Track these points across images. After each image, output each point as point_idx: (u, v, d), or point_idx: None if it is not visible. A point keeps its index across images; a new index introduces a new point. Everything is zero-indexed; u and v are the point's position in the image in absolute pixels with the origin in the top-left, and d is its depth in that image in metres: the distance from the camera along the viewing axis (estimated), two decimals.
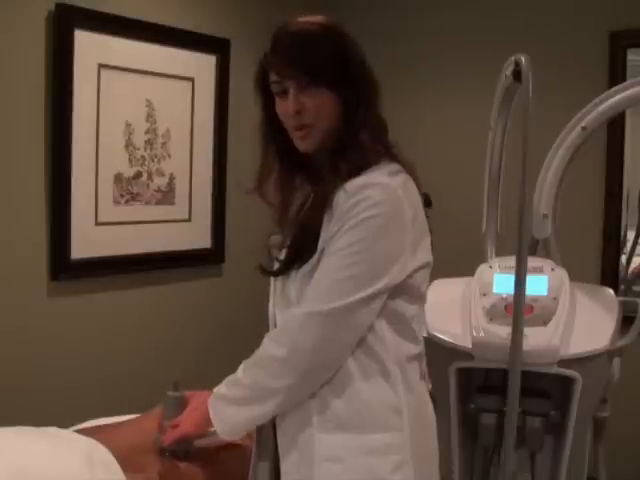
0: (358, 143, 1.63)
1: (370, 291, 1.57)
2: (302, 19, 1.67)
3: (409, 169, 1.68)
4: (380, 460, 1.60)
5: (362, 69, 1.66)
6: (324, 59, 1.63)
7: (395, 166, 1.65)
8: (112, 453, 1.92)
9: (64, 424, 2.14)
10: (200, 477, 2.01)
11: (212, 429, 1.74)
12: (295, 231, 1.68)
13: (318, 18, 1.67)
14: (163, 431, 1.94)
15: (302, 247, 1.64)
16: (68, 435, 2.03)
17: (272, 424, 1.72)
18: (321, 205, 1.61)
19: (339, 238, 1.57)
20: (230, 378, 1.71)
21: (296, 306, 1.63)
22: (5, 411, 2.57)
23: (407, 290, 1.64)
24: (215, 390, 1.72)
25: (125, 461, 1.90)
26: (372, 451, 1.60)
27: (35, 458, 1.80)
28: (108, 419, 2.34)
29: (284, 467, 1.66)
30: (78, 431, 2.10)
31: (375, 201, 1.56)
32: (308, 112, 1.65)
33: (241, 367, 1.69)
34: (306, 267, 1.63)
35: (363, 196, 1.56)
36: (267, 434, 1.76)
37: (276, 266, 1.71)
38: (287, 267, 1.67)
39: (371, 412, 1.61)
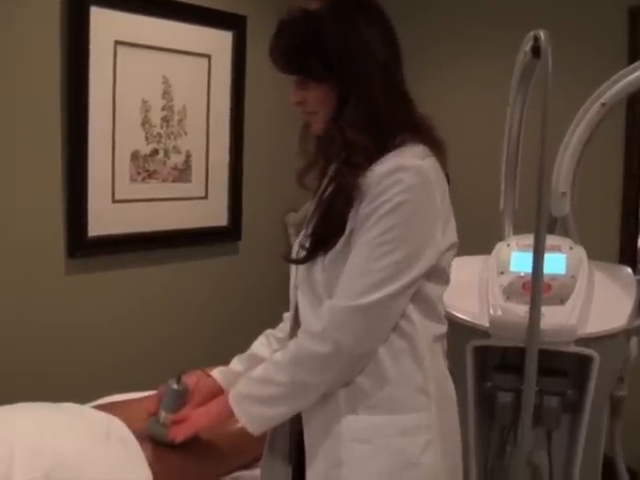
0: (345, 140, 1.60)
1: (407, 279, 1.55)
2: (296, 5, 1.63)
3: (437, 149, 1.65)
4: (409, 441, 1.60)
5: (352, 55, 1.59)
6: (296, 51, 1.61)
7: (423, 148, 1.61)
8: (129, 429, 1.94)
9: (81, 401, 2.17)
10: (217, 452, 2.03)
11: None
12: (318, 218, 1.65)
13: (312, 3, 1.62)
14: (158, 421, 1.91)
15: (327, 234, 1.61)
16: (86, 411, 2.07)
17: None
18: (342, 193, 1.58)
19: (373, 225, 1.54)
20: (257, 376, 1.67)
21: (324, 292, 1.61)
22: (23, 388, 2.58)
23: (436, 273, 1.63)
24: (238, 389, 1.69)
25: (141, 437, 1.92)
26: (401, 432, 1.60)
27: (53, 433, 1.82)
28: (124, 395, 2.38)
29: (310, 450, 1.65)
30: (95, 407, 2.13)
31: (408, 185, 1.53)
32: (309, 103, 1.65)
33: (270, 365, 1.65)
34: (333, 252, 1.60)
35: (396, 179, 1.53)
36: (281, 426, 1.74)
37: (301, 253, 1.67)
38: (312, 254, 1.64)
39: (399, 393, 1.60)
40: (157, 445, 1.93)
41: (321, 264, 1.62)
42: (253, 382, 1.67)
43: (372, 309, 1.54)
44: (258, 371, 1.67)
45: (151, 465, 1.87)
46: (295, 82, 1.66)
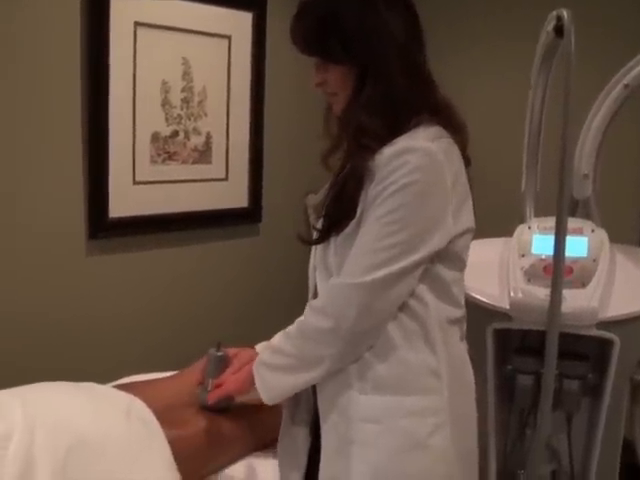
0: (357, 122, 1.60)
1: (411, 260, 1.55)
2: None
3: (457, 130, 1.65)
4: (418, 422, 1.61)
5: (371, 36, 1.59)
6: (315, 33, 1.62)
7: (437, 129, 1.61)
8: (150, 409, 1.96)
9: (102, 381, 2.18)
10: (239, 432, 2.06)
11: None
12: (330, 200, 1.65)
13: None
14: (205, 388, 1.99)
15: (338, 215, 1.62)
16: (107, 390, 2.09)
17: (312, 387, 1.73)
18: (353, 175, 1.59)
19: (379, 205, 1.55)
20: (272, 345, 1.71)
21: (337, 274, 1.62)
22: (44, 369, 2.59)
23: (448, 256, 1.62)
24: (259, 357, 1.74)
25: (161, 417, 1.94)
26: (410, 413, 1.61)
27: (74, 411, 1.84)
28: (144, 375, 2.39)
29: (324, 427, 1.67)
30: (116, 387, 2.15)
31: (415, 166, 1.53)
32: (329, 84, 1.66)
33: (282, 336, 1.70)
34: (344, 234, 1.61)
35: (403, 161, 1.53)
36: (306, 397, 1.78)
37: (314, 235, 1.69)
38: (325, 236, 1.66)
39: (411, 374, 1.61)
40: (205, 410, 2.01)
41: (333, 246, 1.64)
42: (269, 351, 1.71)
43: (375, 286, 1.56)
44: (274, 340, 1.72)
45: (171, 445, 1.89)
46: (315, 64, 1.66)
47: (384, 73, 1.59)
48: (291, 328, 1.69)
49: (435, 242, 1.57)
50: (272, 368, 1.69)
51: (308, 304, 1.68)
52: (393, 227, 1.54)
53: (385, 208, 1.54)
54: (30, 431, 1.71)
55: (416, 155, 1.53)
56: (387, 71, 1.59)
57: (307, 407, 1.79)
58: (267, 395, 1.70)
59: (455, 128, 1.66)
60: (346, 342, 1.59)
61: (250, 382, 1.74)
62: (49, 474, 1.67)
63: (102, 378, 2.23)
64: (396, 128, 1.59)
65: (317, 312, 1.63)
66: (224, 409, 2.06)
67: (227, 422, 2.05)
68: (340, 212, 1.61)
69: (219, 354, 2.03)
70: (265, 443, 2.10)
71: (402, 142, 1.56)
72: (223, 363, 1.99)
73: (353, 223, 1.60)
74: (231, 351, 2.00)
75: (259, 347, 1.96)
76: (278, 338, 1.71)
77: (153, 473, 1.83)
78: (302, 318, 1.67)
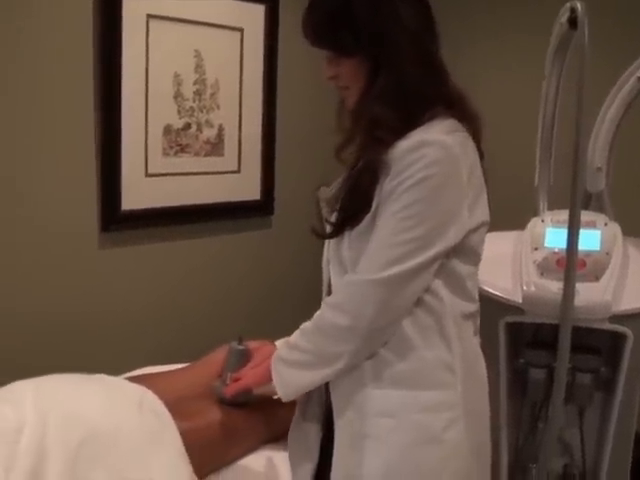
0: (371, 115, 1.59)
1: (428, 255, 1.54)
2: None
3: (471, 122, 1.64)
4: (432, 417, 1.61)
5: (383, 29, 1.58)
6: (327, 26, 1.61)
7: (452, 122, 1.60)
8: (161, 401, 1.96)
9: (114, 373, 2.19)
10: (251, 424, 2.07)
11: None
12: (344, 194, 1.64)
13: None
14: (224, 381, 2.00)
15: (353, 209, 1.61)
16: (119, 382, 2.10)
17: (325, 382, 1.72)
18: (368, 168, 1.58)
19: (395, 200, 1.54)
20: (289, 341, 1.70)
21: (351, 269, 1.61)
22: (57, 361, 2.61)
23: (463, 251, 1.62)
24: (277, 352, 1.73)
25: (173, 409, 1.95)
26: (425, 408, 1.61)
27: (87, 403, 1.85)
28: (156, 368, 2.40)
29: (338, 422, 1.67)
30: (128, 379, 2.16)
31: (431, 160, 1.52)
32: (341, 77, 1.65)
33: (298, 332, 1.69)
34: (359, 228, 1.60)
35: (419, 154, 1.52)
36: (318, 392, 1.78)
37: (328, 228, 1.68)
38: (339, 229, 1.65)
39: (425, 369, 1.61)
40: (222, 404, 2.01)
41: (347, 240, 1.63)
42: (286, 347, 1.70)
43: (391, 283, 1.55)
44: (292, 336, 1.70)
45: (183, 436, 1.90)
46: (327, 57, 1.65)
47: (396, 65, 1.58)
48: (308, 324, 1.68)
49: (451, 236, 1.56)
50: (289, 364, 1.68)
51: (324, 301, 1.67)
52: (409, 222, 1.53)
53: (401, 203, 1.53)
54: (42, 423, 1.72)
55: (432, 149, 1.53)
56: (399, 63, 1.57)
57: (319, 401, 1.79)
58: (284, 391, 1.69)
59: (469, 120, 1.65)
60: (363, 339, 1.58)
61: (267, 377, 1.73)
62: (61, 467, 1.68)
63: (114, 370, 2.23)
64: (410, 121, 1.58)
65: (334, 309, 1.61)
66: (242, 403, 2.05)
67: (240, 414, 2.06)
68: (355, 206, 1.60)
69: (240, 348, 2.03)
70: (277, 435, 2.11)
71: (418, 135, 1.55)
72: (244, 357, 1.99)
73: (368, 217, 1.59)
74: (252, 344, 2.01)
75: (279, 343, 1.97)
76: (295, 334, 1.70)
77: (165, 465, 1.83)
78: (317, 315, 1.66)
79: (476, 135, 1.65)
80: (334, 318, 1.60)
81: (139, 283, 3.04)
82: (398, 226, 1.54)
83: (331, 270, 1.69)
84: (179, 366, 2.33)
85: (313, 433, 1.80)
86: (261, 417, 2.08)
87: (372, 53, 1.59)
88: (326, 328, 1.62)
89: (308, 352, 1.64)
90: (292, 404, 1.84)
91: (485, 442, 1.74)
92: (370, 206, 1.58)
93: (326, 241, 1.74)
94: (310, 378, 1.67)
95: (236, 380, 1.87)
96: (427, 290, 1.60)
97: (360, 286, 1.57)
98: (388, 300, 1.56)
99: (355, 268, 1.60)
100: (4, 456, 1.64)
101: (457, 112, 1.63)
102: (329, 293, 1.72)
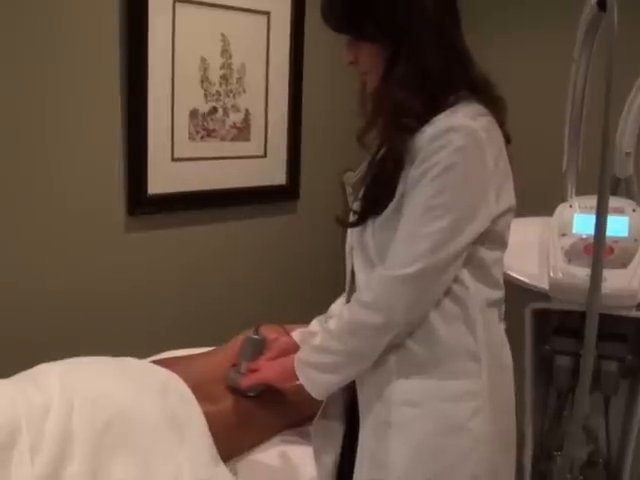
0: (393, 101, 1.57)
1: (458, 245, 1.53)
2: None
3: (495, 107, 1.62)
4: (457, 406, 1.60)
5: (403, 12, 1.55)
6: (346, 11, 1.59)
7: (477, 107, 1.58)
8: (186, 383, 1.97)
9: (139, 356, 2.20)
10: (270, 410, 2.07)
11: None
12: (369, 182, 1.63)
13: None
14: (238, 370, 1.99)
15: (377, 198, 1.60)
16: (144, 365, 2.11)
17: None
18: (392, 156, 1.56)
19: (421, 189, 1.52)
20: (315, 344, 1.69)
21: (375, 258, 1.60)
22: (82, 345, 2.59)
23: (490, 237, 1.60)
24: (301, 356, 1.71)
25: (196, 392, 1.96)
26: (449, 397, 1.60)
27: (114, 385, 1.88)
28: (182, 351, 2.41)
29: (363, 412, 1.67)
30: (153, 362, 2.18)
31: (457, 146, 1.50)
32: (360, 62, 1.63)
33: (327, 335, 1.67)
34: (383, 216, 1.59)
35: (445, 141, 1.50)
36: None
37: (353, 217, 1.67)
38: (363, 218, 1.63)
39: (450, 358, 1.60)
40: (234, 393, 2.00)
41: (371, 228, 1.61)
42: (311, 350, 1.69)
43: (420, 277, 1.53)
44: (316, 339, 1.69)
45: (208, 419, 1.91)
46: (346, 42, 1.64)
47: (416, 49, 1.56)
48: (334, 325, 1.66)
49: (480, 223, 1.55)
50: (318, 368, 1.66)
51: (355, 300, 1.63)
52: (436, 212, 1.52)
53: (427, 192, 1.51)
54: (68, 405, 1.74)
55: (458, 134, 1.51)
56: (420, 47, 1.56)
57: (342, 391, 1.78)
58: (316, 392, 1.69)
59: (494, 104, 1.62)
60: (397, 334, 1.58)
61: (290, 376, 1.72)
62: (86, 449, 1.70)
63: (139, 353, 2.23)
64: (434, 106, 1.55)
65: (367, 308, 1.59)
66: (255, 394, 2.03)
67: (259, 400, 2.05)
68: (378, 194, 1.59)
69: (256, 337, 2.01)
70: (296, 422, 2.12)
71: (443, 121, 1.53)
72: (260, 347, 1.98)
73: (392, 205, 1.57)
74: (267, 331, 2.00)
75: (296, 336, 1.96)
76: (320, 336, 1.69)
77: (191, 448, 1.85)
78: (347, 314, 1.63)
79: (501, 119, 1.63)
80: (368, 318, 1.58)
81: (164, 267, 3.05)
82: (424, 217, 1.52)
83: (354, 258, 1.68)
84: (202, 350, 2.34)
85: (337, 423, 1.81)
86: (278, 404, 2.07)
87: (391, 38, 1.57)
88: (360, 328, 1.60)
89: (340, 353, 1.63)
90: (311, 399, 1.81)
91: (510, 430, 1.73)
92: (394, 194, 1.56)
93: (349, 229, 1.73)
94: (342, 377, 1.67)
95: (253, 371, 1.88)
96: (454, 279, 1.59)
97: (390, 282, 1.56)
98: (418, 295, 1.55)
99: (380, 256, 1.59)
100: (31, 438, 1.66)
101: (481, 96, 1.61)
102: (352, 282, 1.72)
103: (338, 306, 1.92)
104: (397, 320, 1.56)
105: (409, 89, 1.56)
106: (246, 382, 1.89)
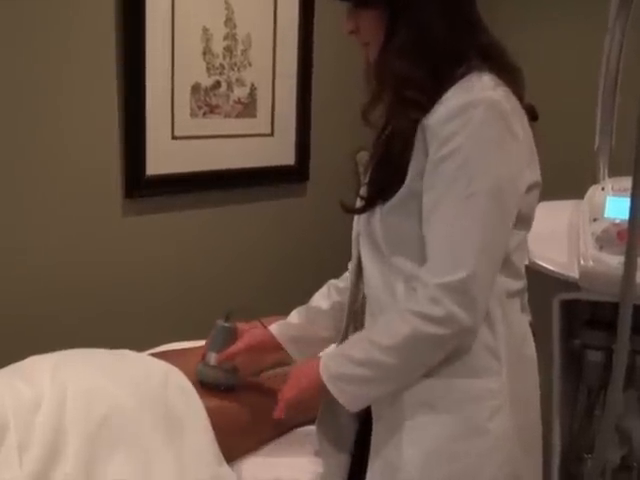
0: (393, 72, 1.52)
1: (502, 231, 1.49)
2: None
3: (511, 77, 1.53)
4: (476, 406, 1.55)
5: None
6: None
7: (491, 77, 1.49)
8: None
9: (138, 345, 2.19)
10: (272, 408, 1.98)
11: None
12: (375, 164, 1.58)
13: None
14: (208, 363, 1.95)
15: (385, 182, 1.53)
16: (143, 358, 2.09)
17: None
18: (399, 135, 1.50)
19: (447, 177, 1.44)
20: (358, 358, 1.58)
21: (384, 245, 1.56)
22: (78, 332, 2.62)
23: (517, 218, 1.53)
24: (333, 370, 1.61)
25: (196, 384, 1.94)
26: (467, 397, 1.55)
27: (111, 378, 1.85)
28: (182, 344, 2.40)
29: (376, 413, 1.64)
30: (152, 355, 2.17)
31: (480, 122, 1.42)
32: (361, 32, 1.59)
33: (374, 348, 1.55)
34: (393, 201, 1.51)
35: (466, 119, 1.42)
36: None
37: (358, 203, 1.62)
38: (370, 204, 1.58)
39: (467, 356, 1.54)
40: (206, 389, 1.96)
41: (379, 214, 1.54)
42: (353, 363, 1.59)
43: (475, 278, 1.45)
44: (357, 352, 1.59)
45: (210, 414, 1.88)
46: (347, 10, 1.60)
47: (417, 16, 1.50)
48: (387, 339, 1.54)
49: (518, 205, 1.49)
50: (361, 381, 1.58)
51: (412, 312, 1.51)
52: (476, 200, 1.43)
53: (459, 182, 1.43)
54: (61, 398, 1.72)
55: (479, 110, 1.43)
56: (420, 14, 1.50)
57: None
58: (353, 406, 1.61)
59: (509, 74, 1.54)
60: (460, 341, 1.51)
61: (316, 390, 1.64)
62: (80, 444, 1.67)
63: (136, 342, 2.23)
64: (440, 77, 1.48)
65: (432, 320, 1.48)
66: (228, 388, 1.98)
67: (262, 397, 2.00)
68: (387, 178, 1.53)
69: (226, 325, 1.95)
70: (295, 425, 2.07)
71: (459, 95, 1.45)
72: (230, 335, 1.92)
73: (403, 190, 1.49)
74: (242, 326, 1.95)
75: (274, 327, 1.92)
76: (364, 349, 1.57)
77: (192, 443, 1.82)
78: (406, 328, 1.52)
79: (518, 91, 1.54)
80: (433, 330, 1.48)
81: (164, 252, 3.02)
82: (462, 208, 1.44)
83: (361, 245, 1.64)
84: (202, 343, 2.27)
85: (347, 424, 1.77)
86: (262, 402, 2.01)
87: (391, 4, 1.52)
88: (423, 341, 1.51)
89: (393, 367, 1.54)
90: None
91: (534, 430, 1.69)
92: (404, 179, 1.49)
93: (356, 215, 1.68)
94: (385, 389, 1.59)
95: (226, 358, 1.89)
96: None
97: (441, 290, 1.46)
98: (482, 296, 1.47)
99: (388, 243, 1.55)
100: (19, 434, 1.63)
101: (494, 65, 1.52)
102: (358, 268, 1.68)
103: (322, 295, 1.91)
104: (465, 327, 1.48)
105: (410, 59, 1.50)
106: (277, 414, 1.77)
